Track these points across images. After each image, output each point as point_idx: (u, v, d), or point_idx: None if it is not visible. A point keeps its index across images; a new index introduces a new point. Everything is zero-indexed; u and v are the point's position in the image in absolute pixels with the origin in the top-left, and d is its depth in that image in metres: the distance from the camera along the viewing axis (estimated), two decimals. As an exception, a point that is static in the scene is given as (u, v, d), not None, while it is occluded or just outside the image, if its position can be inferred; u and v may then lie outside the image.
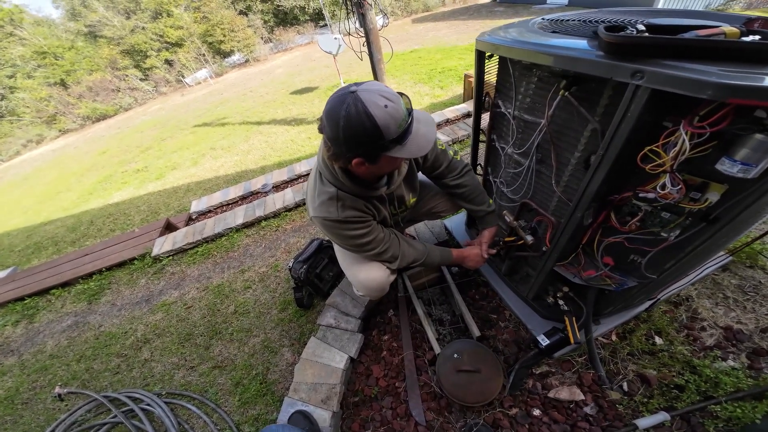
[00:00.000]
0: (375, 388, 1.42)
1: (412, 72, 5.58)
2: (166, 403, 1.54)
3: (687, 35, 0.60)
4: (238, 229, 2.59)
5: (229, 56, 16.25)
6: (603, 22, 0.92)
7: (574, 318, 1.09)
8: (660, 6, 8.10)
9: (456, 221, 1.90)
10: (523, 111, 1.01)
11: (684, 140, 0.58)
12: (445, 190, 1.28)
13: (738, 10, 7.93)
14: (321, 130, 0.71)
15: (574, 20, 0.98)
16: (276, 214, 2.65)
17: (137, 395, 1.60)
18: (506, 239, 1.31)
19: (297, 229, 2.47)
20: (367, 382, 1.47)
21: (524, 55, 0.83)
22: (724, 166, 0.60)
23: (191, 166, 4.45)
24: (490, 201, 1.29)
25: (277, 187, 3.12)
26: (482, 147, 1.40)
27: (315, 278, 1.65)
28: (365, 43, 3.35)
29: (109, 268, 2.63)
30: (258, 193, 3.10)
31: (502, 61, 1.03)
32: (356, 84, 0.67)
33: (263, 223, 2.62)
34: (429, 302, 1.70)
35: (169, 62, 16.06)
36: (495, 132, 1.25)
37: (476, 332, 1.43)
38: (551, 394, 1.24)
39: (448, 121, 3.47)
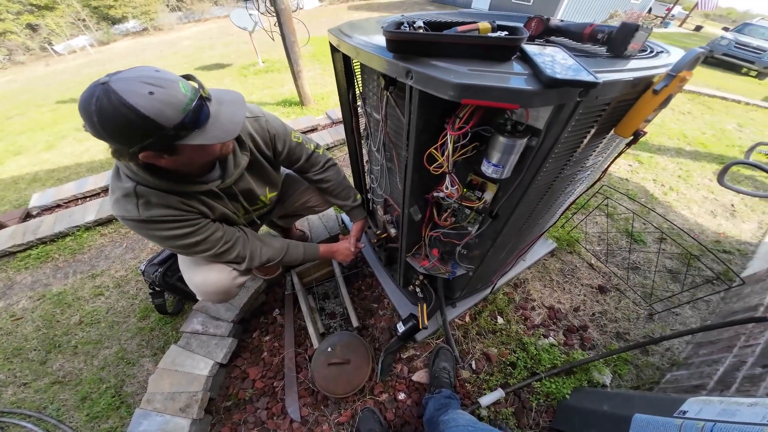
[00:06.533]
0: (250, 390, 1.36)
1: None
2: (-8, 422, 1.28)
3: (448, 32, 0.60)
4: (88, 227, 2.14)
5: (121, 23, 13.51)
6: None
7: (424, 305, 1.19)
8: (560, 14, 9.27)
9: (349, 215, 1.91)
10: (372, 109, 1.03)
11: (447, 141, 0.62)
12: (311, 185, 1.25)
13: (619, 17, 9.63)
14: (86, 128, 0.59)
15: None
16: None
17: (-45, 417, 1.28)
18: (377, 232, 1.36)
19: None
20: (242, 385, 1.39)
21: (351, 52, 0.80)
22: (483, 167, 0.68)
23: (44, 150, 3.58)
24: (358, 196, 1.31)
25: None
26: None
27: (178, 281, 1.45)
28: (276, 23, 3.14)
29: None
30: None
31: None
32: (110, 74, 0.58)
33: (126, 220, 2.21)
34: (325, 296, 1.69)
35: (32, 27, 12.66)
36: (366, 130, 1.26)
37: (355, 323, 1.46)
38: (414, 378, 1.34)
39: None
